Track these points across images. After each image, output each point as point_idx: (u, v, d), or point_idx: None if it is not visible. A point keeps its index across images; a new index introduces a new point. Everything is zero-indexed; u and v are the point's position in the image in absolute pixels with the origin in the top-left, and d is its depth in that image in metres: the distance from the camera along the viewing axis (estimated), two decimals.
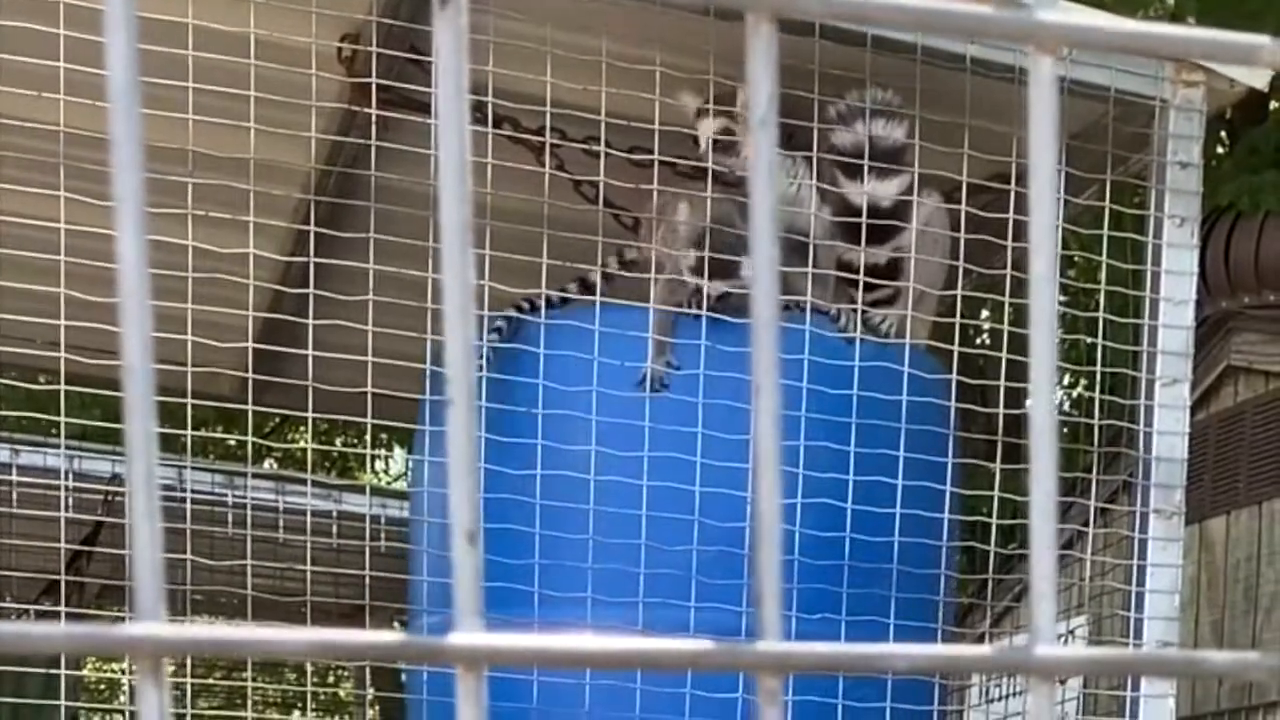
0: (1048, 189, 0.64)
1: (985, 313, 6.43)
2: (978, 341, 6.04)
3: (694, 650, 0.68)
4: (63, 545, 4.29)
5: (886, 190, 3.92)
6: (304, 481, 5.77)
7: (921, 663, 0.67)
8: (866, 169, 3.85)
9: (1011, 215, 3.68)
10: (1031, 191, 0.64)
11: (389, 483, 9.78)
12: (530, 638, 0.68)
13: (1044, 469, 0.62)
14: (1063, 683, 4.88)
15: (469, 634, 0.66)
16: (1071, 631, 5.17)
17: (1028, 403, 0.62)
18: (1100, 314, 3.92)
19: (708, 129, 3.74)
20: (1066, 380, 8.82)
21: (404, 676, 4.60)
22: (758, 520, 0.65)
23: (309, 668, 5.24)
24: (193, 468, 5.60)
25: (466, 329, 0.63)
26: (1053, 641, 0.62)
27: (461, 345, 0.63)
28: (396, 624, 6.34)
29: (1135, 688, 3.89)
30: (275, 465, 10.61)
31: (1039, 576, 0.63)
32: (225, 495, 5.43)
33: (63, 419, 3.77)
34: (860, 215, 3.87)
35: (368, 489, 6.02)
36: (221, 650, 0.64)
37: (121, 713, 8.42)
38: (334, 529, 4.89)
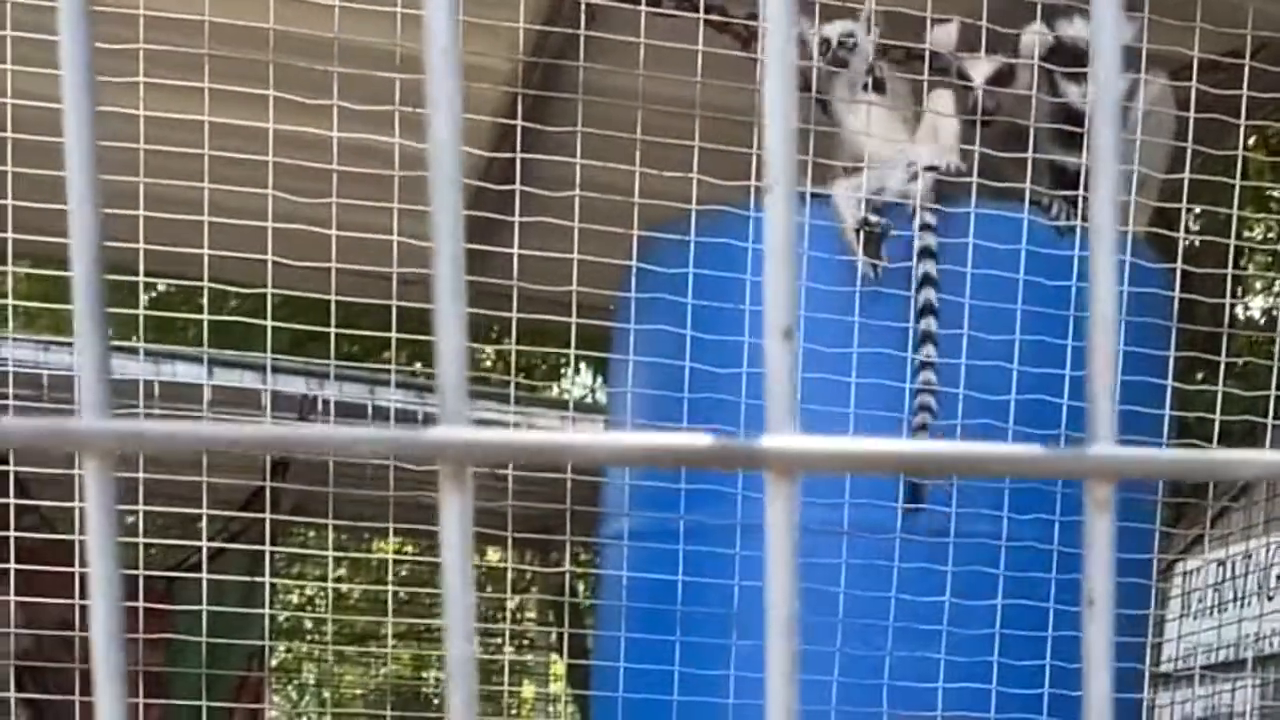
0: None
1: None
2: (1195, 230, 5.85)
3: (1024, 454, 0.63)
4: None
5: None
6: (496, 397, 5.80)
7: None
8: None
9: (1245, 92, 3.51)
10: None
11: (584, 397, 9.74)
12: (844, 440, 0.63)
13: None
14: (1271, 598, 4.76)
15: (782, 436, 0.61)
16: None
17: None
18: None
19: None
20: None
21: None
22: (1093, 318, 0.60)
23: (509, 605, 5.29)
24: (395, 379, 5.69)
25: None
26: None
27: None
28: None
29: None
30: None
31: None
32: (417, 410, 5.51)
33: (269, 324, 3.78)
34: (1080, 119, 3.71)
35: (571, 402, 6.04)
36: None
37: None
38: None
